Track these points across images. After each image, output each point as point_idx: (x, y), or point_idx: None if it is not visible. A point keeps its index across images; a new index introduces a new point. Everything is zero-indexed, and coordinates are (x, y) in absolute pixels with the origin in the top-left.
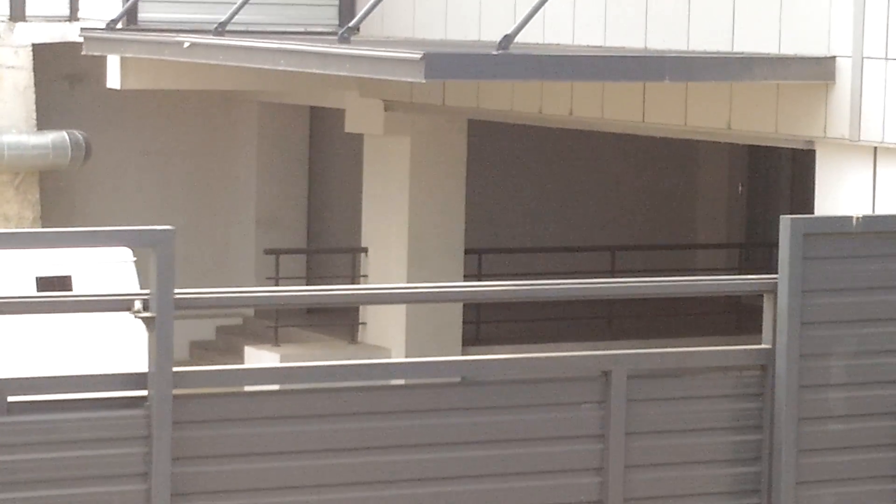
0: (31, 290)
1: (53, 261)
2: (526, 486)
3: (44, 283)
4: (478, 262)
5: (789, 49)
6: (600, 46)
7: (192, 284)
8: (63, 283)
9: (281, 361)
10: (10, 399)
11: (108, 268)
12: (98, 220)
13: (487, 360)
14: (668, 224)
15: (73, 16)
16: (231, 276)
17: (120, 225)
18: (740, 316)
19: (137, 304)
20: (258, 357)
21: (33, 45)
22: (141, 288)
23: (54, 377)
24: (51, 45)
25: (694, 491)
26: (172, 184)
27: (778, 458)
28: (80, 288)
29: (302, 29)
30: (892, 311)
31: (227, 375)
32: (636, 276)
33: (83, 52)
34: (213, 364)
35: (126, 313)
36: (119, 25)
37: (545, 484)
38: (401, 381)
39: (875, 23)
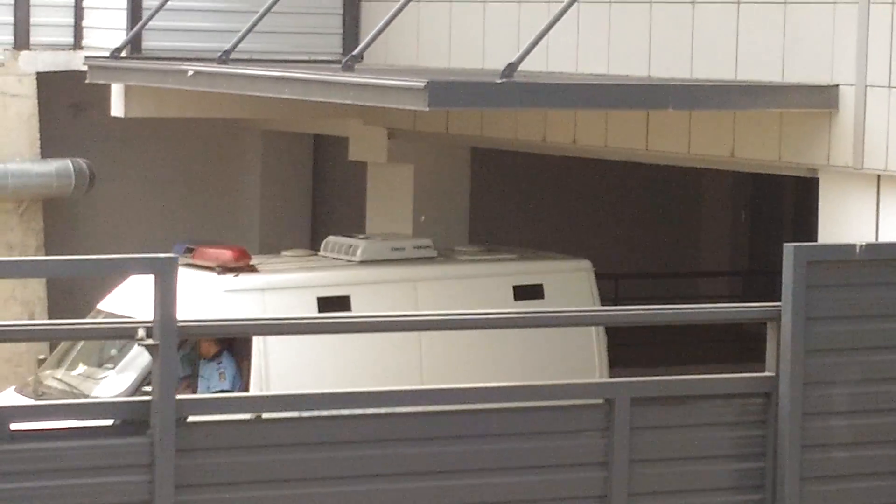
0: (312, 310)
1: (336, 280)
2: None
3: (325, 304)
4: None
5: (792, 77)
6: (604, 74)
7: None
8: (342, 303)
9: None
10: (13, 427)
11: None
12: (102, 248)
13: (490, 387)
14: (671, 252)
15: (77, 44)
16: None
17: (124, 253)
18: (743, 344)
19: (141, 332)
20: None
21: (37, 73)
22: None
23: (56, 404)
24: (55, 73)
25: None
26: (176, 212)
27: (781, 485)
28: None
29: (306, 57)
30: (895, 339)
31: (231, 403)
32: (639, 304)
33: (87, 81)
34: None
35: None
36: (123, 54)
37: None
38: (403, 409)
39: (878, 51)
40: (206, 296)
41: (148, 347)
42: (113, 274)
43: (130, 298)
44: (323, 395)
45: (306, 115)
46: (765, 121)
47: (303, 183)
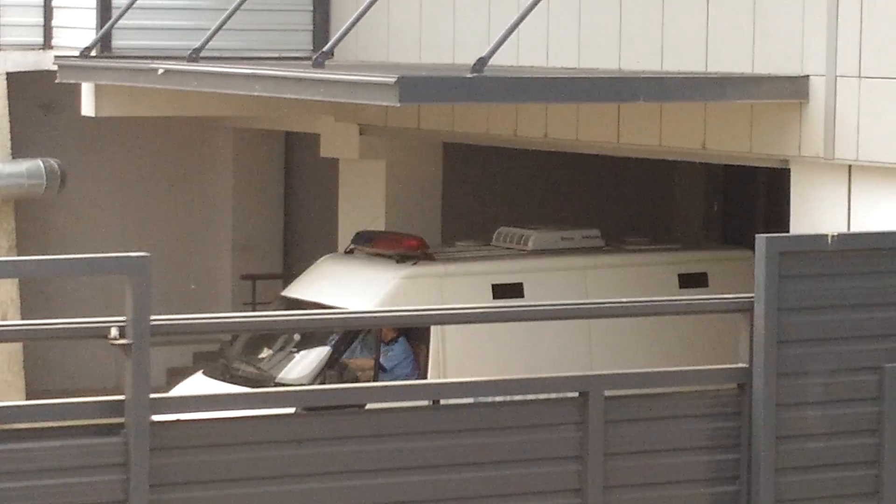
0: (486, 298)
1: (509, 268)
2: None
3: (499, 291)
4: None
5: (763, 69)
6: (574, 68)
7: (169, 311)
8: (515, 290)
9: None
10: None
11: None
12: (74, 247)
13: (464, 382)
14: None
15: (46, 44)
16: (208, 302)
17: (96, 252)
18: None
19: (114, 331)
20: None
21: (7, 73)
22: None
23: (31, 405)
24: (25, 73)
25: None
26: (148, 211)
27: (756, 476)
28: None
29: (276, 54)
30: (868, 329)
31: (205, 401)
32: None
33: (57, 80)
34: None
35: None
36: (93, 53)
37: None
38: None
39: (848, 41)
40: (388, 282)
41: (121, 347)
42: (86, 274)
43: (316, 284)
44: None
45: (278, 112)
46: (736, 112)
47: (275, 180)
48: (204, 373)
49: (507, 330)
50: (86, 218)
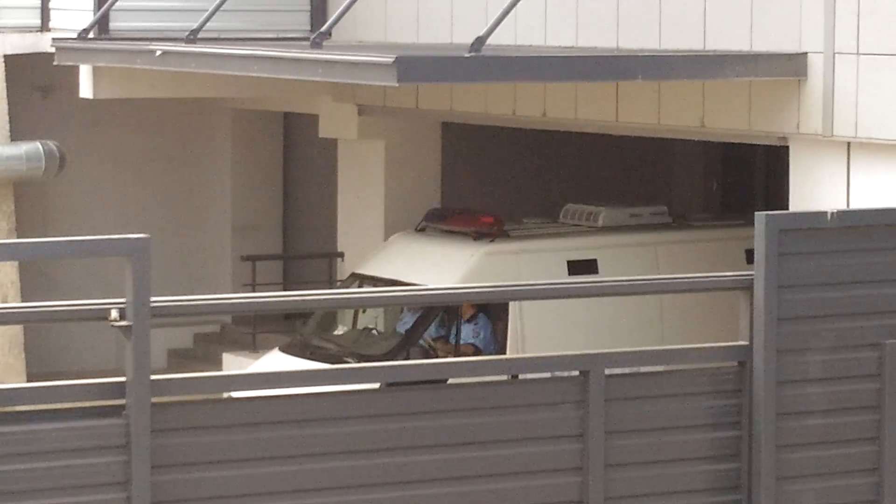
0: (563, 273)
1: (584, 245)
2: (507, 486)
3: (574, 267)
4: None
5: (761, 46)
6: (572, 47)
7: (169, 292)
8: (589, 266)
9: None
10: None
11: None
12: (73, 229)
13: (463, 361)
14: None
15: (44, 26)
16: (208, 284)
17: (96, 234)
18: None
19: (114, 313)
20: (237, 364)
21: (5, 55)
22: None
23: (32, 387)
24: (22, 55)
25: (674, 488)
26: (147, 192)
27: (757, 454)
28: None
29: (274, 35)
30: (867, 306)
31: (206, 383)
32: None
33: (55, 63)
34: (191, 372)
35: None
36: (91, 35)
37: (526, 484)
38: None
39: (846, 18)
40: (468, 259)
41: (121, 328)
42: (85, 256)
43: (392, 262)
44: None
45: (276, 92)
46: (734, 90)
47: (274, 160)
48: (280, 349)
49: (582, 305)
50: (85, 200)
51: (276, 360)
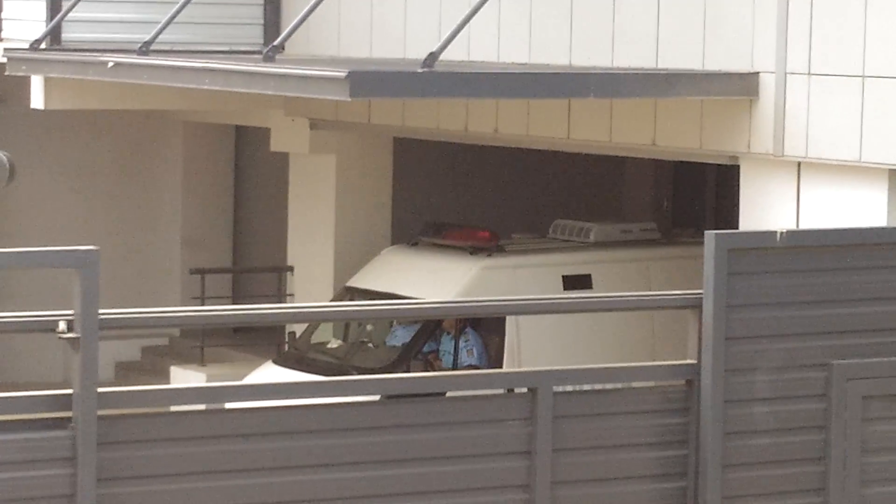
0: (557, 289)
1: (578, 260)
2: (453, 503)
3: (569, 282)
4: None
5: (713, 65)
6: (525, 63)
7: (117, 305)
8: (584, 281)
9: (207, 381)
10: None
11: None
12: (23, 240)
13: (412, 377)
14: None
15: None
16: (156, 296)
17: (45, 245)
18: None
19: (62, 325)
20: (184, 377)
21: None
22: None
23: None
24: None
25: None
26: (97, 204)
27: (704, 473)
28: (599, 287)
29: (227, 48)
30: (815, 326)
31: (153, 396)
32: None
33: (6, 73)
34: (138, 385)
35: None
36: (43, 45)
37: (473, 501)
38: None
39: (798, 39)
40: (465, 273)
41: (69, 340)
42: (34, 266)
43: (387, 275)
44: (247, 387)
45: (228, 106)
46: (686, 109)
47: (225, 174)
48: (274, 361)
49: (577, 320)
50: (35, 211)
51: (270, 373)
